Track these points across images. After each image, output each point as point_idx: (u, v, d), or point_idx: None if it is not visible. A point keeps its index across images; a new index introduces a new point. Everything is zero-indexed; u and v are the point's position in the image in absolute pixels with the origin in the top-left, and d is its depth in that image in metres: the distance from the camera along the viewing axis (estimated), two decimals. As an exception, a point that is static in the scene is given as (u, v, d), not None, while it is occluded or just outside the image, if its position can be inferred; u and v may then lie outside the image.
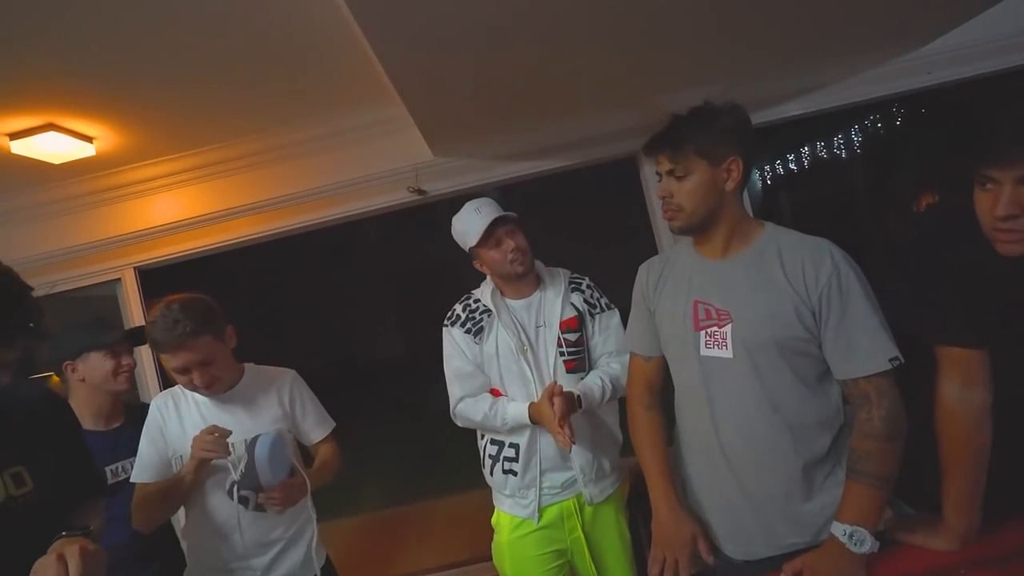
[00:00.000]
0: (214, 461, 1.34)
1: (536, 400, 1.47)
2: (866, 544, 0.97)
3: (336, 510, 1.41)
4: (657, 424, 1.28)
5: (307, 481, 1.40)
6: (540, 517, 1.54)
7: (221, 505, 1.39)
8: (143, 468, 1.40)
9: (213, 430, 1.32)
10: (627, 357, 1.55)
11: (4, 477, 0.96)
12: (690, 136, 1.10)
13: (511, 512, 1.58)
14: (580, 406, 1.44)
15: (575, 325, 1.56)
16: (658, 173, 1.16)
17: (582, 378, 1.54)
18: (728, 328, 1.10)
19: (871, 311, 1.04)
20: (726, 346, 1.11)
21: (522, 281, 1.58)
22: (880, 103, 2.50)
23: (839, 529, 1.00)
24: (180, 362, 1.33)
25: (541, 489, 1.53)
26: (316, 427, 1.53)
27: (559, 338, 1.53)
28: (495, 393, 1.57)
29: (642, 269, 1.32)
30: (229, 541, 1.38)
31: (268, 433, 1.35)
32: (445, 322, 1.62)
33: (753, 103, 1.79)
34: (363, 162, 2.35)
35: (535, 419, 1.45)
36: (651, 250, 2.30)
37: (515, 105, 1.97)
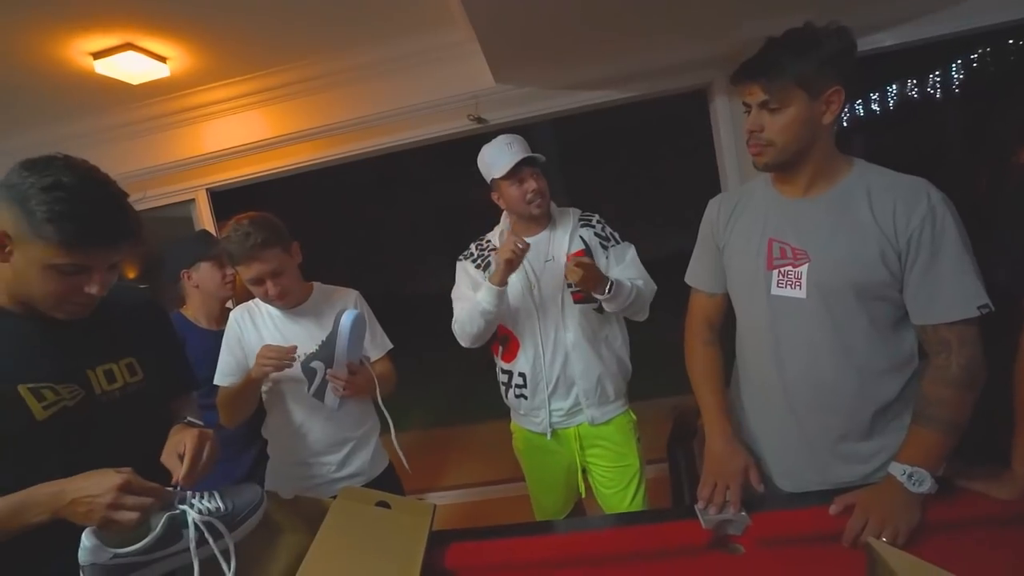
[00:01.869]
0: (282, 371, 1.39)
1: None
2: (925, 484, 0.96)
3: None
4: (716, 360, 1.29)
5: (373, 377, 1.48)
6: (552, 434, 1.65)
7: (298, 407, 1.52)
8: (223, 374, 1.52)
9: (271, 349, 1.38)
10: (651, 285, 1.61)
11: (120, 365, 1.05)
12: (790, 64, 1.01)
13: (525, 427, 1.72)
14: (609, 292, 1.46)
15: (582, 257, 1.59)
16: (746, 104, 1.08)
17: (595, 309, 1.59)
18: (804, 268, 1.08)
19: (964, 255, 0.98)
20: (799, 286, 1.08)
21: (534, 220, 1.64)
22: (985, 35, 2.21)
23: (897, 469, 0.99)
24: (254, 273, 1.41)
25: (551, 411, 1.64)
26: (374, 346, 1.60)
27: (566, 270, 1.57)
28: (502, 329, 1.64)
29: (712, 204, 1.29)
30: (306, 439, 1.52)
31: (353, 310, 1.42)
32: (459, 257, 1.72)
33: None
34: (423, 88, 2.32)
35: (497, 269, 1.47)
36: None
37: (585, 29, 1.88)
